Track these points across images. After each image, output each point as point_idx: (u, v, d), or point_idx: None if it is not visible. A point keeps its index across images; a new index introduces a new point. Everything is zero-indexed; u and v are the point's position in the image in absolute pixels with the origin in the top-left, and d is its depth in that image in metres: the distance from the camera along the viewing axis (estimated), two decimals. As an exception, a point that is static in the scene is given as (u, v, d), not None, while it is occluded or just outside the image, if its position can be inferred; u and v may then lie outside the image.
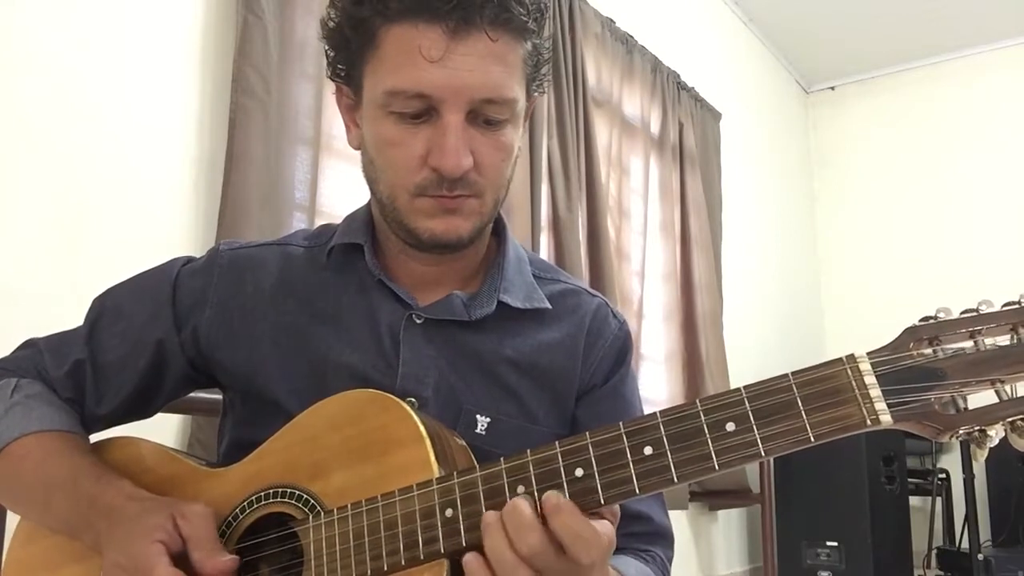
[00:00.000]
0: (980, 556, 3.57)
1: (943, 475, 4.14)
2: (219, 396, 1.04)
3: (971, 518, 3.62)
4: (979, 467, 3.95)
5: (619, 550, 0.89)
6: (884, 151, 5.09)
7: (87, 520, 0.86)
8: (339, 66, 0.91)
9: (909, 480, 3.96)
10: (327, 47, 0.92)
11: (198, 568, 0.79)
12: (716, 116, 4.21)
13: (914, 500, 4.10)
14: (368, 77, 0.87)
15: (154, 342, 0.97)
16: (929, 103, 5.00)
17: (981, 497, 3.89)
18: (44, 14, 1.76)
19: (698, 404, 0.67)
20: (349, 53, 0.88)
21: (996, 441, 0.64)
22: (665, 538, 0.97)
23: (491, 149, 0.86)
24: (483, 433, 0.90)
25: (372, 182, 0.91)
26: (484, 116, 0.85)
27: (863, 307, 4.72)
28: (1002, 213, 4.66)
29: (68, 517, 0.89)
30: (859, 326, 4.50)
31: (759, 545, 3.72)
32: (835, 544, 3.56)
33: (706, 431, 0.66)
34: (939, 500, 4.11)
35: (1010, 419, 0.63)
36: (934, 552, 4.11)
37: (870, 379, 0.64)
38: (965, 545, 3.74)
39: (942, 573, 3.98)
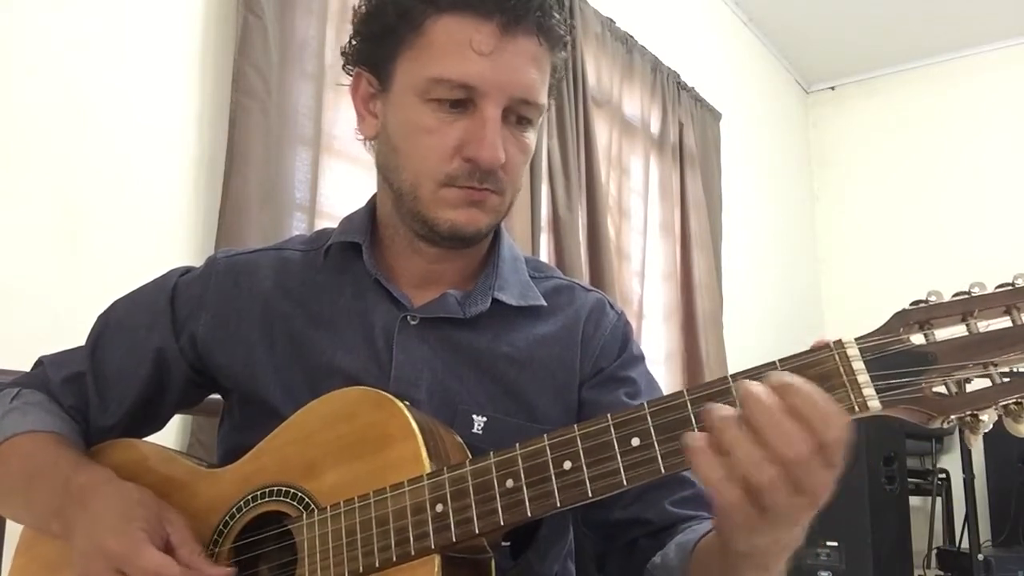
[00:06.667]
0: (980, 556, 3.55)
1: (943, 475, 4.12)
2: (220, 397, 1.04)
3: (971, 518, 3.61)
4: (979, 467, 3.94)
5: (689, 519, 0.89)
6: (884, 151, 5.08)
7: (59, 506, 0.86)
8: (368, 52, 0.91)
9: (909, 480, 3.94)
10: (357, 32, 0.91)
11: (193, 573, 0.79)
12: (716, 116, 4.20)
13: (914, 500, 4.08)
14: (406, 64, 0.87)
15: (154, 350, 0.98)
16: (929, 103, 4.98)
17: (981, 497, 3.87)
18: (44, 14, 1.76)
19: (685, 394, 0.66)
20: (386, 39, 0.88)
21: (989, 426, 0.62)
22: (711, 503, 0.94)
23: (517, 149, 0.88)
24: (480, 433, 0.90)
25: (391, 170, 0.90)
26: (516, 115, 0.87)
27: (863, 307, 4.68)
28: (1003, 213, 4.64)
29: (44, 505, 0.89)
30: (859, 326, 4.44)
31: (759, 545, 3.71)
32: (835, 544, 3.54)
33: (693, 421, 0.65)
34: (939, 500, 4.10)
35: (1003, 403, 0.61)
36: (934, 552, 4.10)
37: (858, 364, 0.63)
38: (965, 545, 3.72)
39: (942, 573, 3.96)
